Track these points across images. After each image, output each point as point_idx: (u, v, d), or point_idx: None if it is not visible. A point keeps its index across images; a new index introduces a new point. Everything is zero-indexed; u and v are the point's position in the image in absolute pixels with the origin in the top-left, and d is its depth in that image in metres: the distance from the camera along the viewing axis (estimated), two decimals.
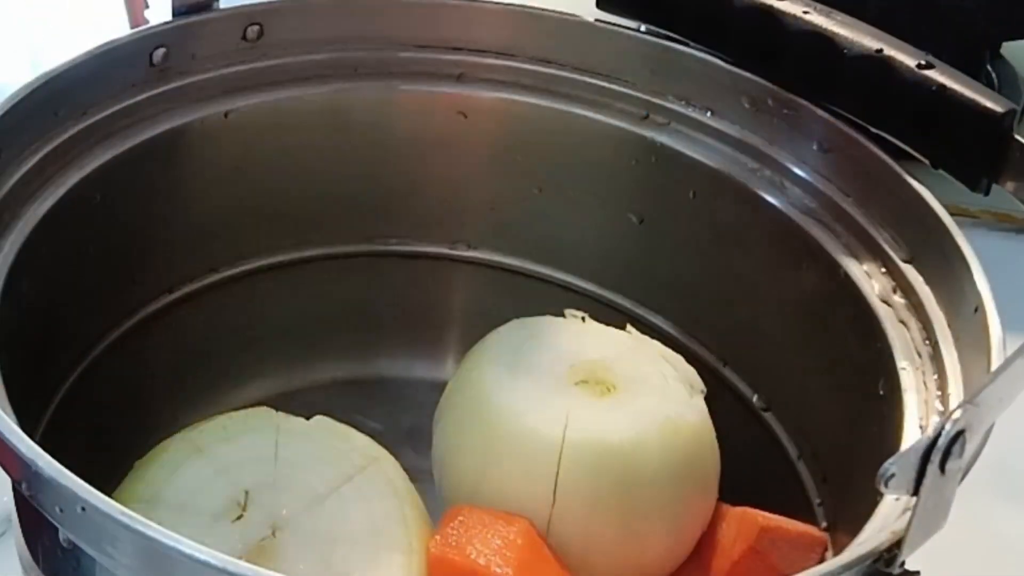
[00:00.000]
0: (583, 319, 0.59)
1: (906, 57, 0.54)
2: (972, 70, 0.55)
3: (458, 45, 0.63)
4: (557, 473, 0.52)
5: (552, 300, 0.63)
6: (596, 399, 0.54)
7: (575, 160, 0.63)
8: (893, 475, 0.38)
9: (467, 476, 0.54)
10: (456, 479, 0.55)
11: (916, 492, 0.38)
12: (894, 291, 0.53)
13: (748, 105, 0.59)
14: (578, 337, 0.57)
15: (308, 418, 0.55)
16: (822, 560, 0.52)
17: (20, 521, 0.48)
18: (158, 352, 0.61)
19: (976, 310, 0.48)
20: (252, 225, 0.63)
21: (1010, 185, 0.52)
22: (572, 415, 0.53)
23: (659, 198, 0.62)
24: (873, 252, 0.55)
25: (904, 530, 0.39)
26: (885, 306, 0.53)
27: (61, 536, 0.42)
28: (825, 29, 0.56)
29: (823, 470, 0.57)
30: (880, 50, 0.54)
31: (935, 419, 0.48)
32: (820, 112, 0.57)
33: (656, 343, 0.58)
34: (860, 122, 0.56)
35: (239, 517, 0.50)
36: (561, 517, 0.52)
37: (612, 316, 0.62)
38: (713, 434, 0.55)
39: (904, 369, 0.50)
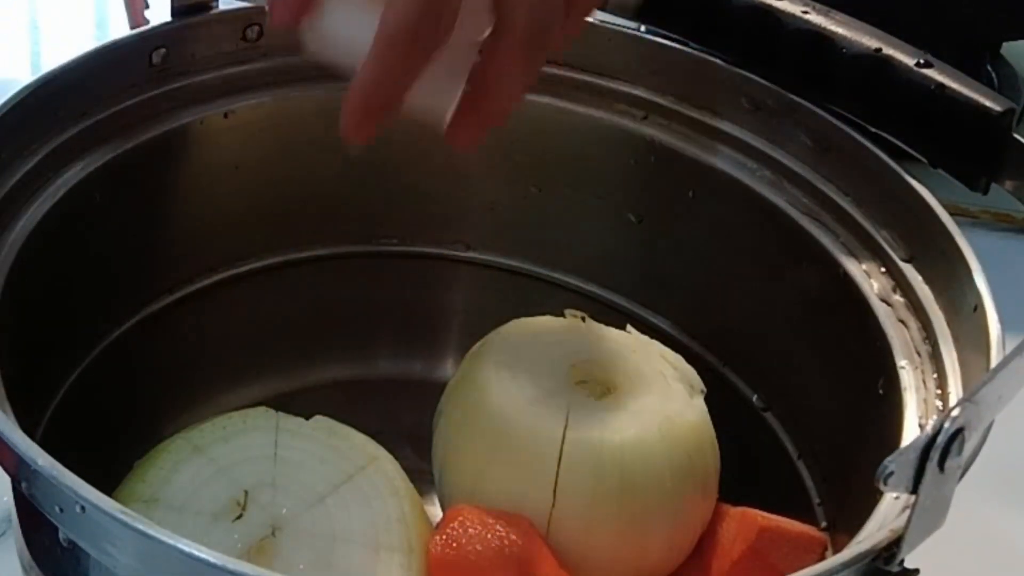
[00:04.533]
0: (583, 319, 0.59)
1: (905, 56, 0.54)
2: (972, 70, 0.55)
3: None
4: (557, 473, 0.52)
5: (552, 300, 0.63)
6: (596, 399, 0.54)
7: (575, 160, 0.63)
8: (892, 473, 0.38)
9: (467, 476, 0.54)
10: (456, 479, 0.55)
11: (915, 490, 0.38)
12: (894, 290, 0.53)
13: (748, 105, 0.59)
14: (578, 337, 0.57)
15: (308, 418, 0.55)
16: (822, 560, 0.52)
17: (20, 521, 0.48)
18: (158, 352, 0.61)
19: (975, 309, 0.48)
20: (252, 225, 0.63)
21: (1009, 184, 0.52)
22: (572, 415, 0.53)
23: (659, 198, 0.62)
24: (872, 252, 0.55)
25: (903, 528, 0.39)
26: (885, 305, 0.53)
27: (61, 535, 0.42)
28: (824, 29, 0.56)
29: (823, 470, 0.57)
30: (879, 49, 0.55)
31: (935, 417, 0.48)
32: (819, 111, 0.57)
33: (656, 343, 0.58)
34: (859, 121, 0.56)
35: (239, 517, 0.50)
36: (561, 517, 0.52)
37: (612, 316, 0.62)
38: (713, 434, 0.55)
39: (903, 368, 0.50)
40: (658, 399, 0.54)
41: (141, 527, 0.38)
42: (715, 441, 0.55)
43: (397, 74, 0.46)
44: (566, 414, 0.53)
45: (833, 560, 0.40)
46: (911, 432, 0.48)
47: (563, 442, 0.52)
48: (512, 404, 0.53)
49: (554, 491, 0.52)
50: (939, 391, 0.49)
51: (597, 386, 0.55)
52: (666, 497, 0.53)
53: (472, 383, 0.55)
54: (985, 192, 0.53)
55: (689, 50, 0.60)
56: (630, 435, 0.52)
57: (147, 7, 0.90)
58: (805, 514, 0.56)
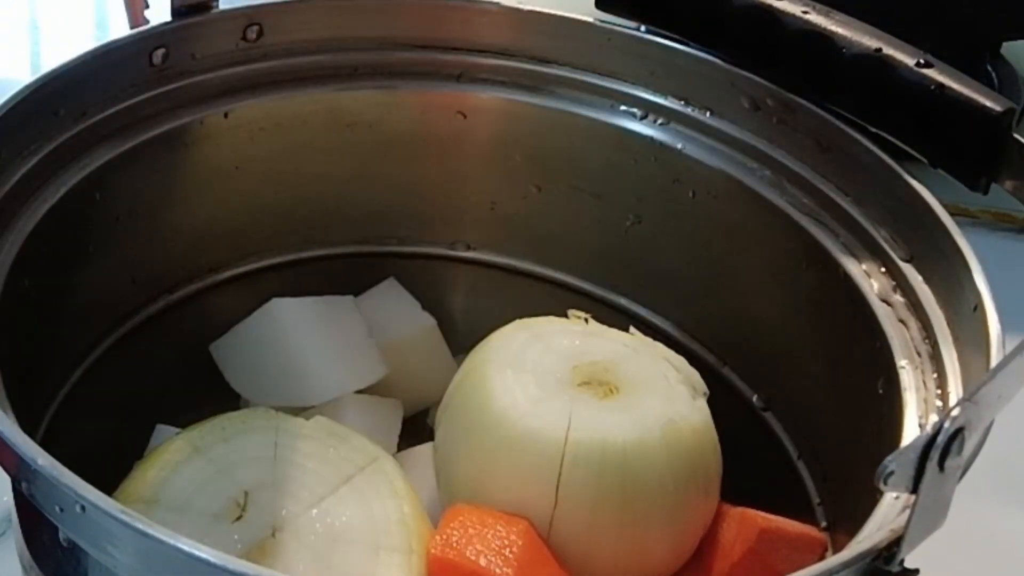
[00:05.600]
0: (586, 320, 0.59)
1: (905, 56, 0.54)
2: (972, 70, 0.55)
3: (458, 45, 0.63)
4: (559, 474, 0.52)
5: (552, 300, 0.63)
6: (599, 401, 0.54)
7: (575, 160, 0.63)
8: (892, 472, 0.38)
9: (468, 477, 0.54)
10: (457, 479, 0.55)
11: (915, 490, 0.38)
12: (894, 290, 0.53)
13: (748, 105, 0.59)
14: (581, 338, 0.57)
15: (308, 418, 0.55)
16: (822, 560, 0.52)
17: (20, 521, 0.48)
18: (158, 352, 0.61)
19: (975, 308, 0.48)
20: (252, 225, 0.63)
21: (1009, 184, 0.52)
22: (575, 416, 0.52)
23: (659, 198, 0.62)
24: (872, 251, 0.55)
25: (903, 528, 0.39)
26: (884, 305, 0.53)
27: (61, 535, 0.42)
28: (824, 28, 0.56)
29: (823, 470, 0.57)
30: (879, 49, 0.54)
31: (935, 417, 0.48)
32: (819, 111, 0.57)
33: (660, 345, 0.58)
34: (859, 121, 0.56)
35: (239, 518, 0.50)
36: (563, 518, 0.52)
37: (610, 315, 0.62)
38: (715, 437, 0.55)
39: (903, 368, 0.50)
40: (661, 401, 0.54)
41: (141, 527, 0.38)
42: (717, 444, 0.55)
43: None
44: (569, 415, 0.52)
45: (833, 560, 0.40)
46: (911, 432, 0.48)
47: (565, 443, 0.52)
48: (514, 405, 0.53)
49: (556, 492, 0.52)
50: (939, 391, 0.48)
51: (600, 387, 0.55)
52: (668, 499, 0.53)
53: (474, 384, 0.55)
54: (985, 192, 0.53)
55: (689, 50, 0.60)
56: (633, 437, 0.52)
57: (147, 7, 0.90)
58: (805, 514, 0.56)
